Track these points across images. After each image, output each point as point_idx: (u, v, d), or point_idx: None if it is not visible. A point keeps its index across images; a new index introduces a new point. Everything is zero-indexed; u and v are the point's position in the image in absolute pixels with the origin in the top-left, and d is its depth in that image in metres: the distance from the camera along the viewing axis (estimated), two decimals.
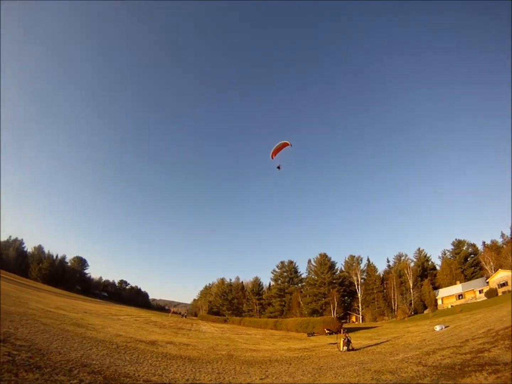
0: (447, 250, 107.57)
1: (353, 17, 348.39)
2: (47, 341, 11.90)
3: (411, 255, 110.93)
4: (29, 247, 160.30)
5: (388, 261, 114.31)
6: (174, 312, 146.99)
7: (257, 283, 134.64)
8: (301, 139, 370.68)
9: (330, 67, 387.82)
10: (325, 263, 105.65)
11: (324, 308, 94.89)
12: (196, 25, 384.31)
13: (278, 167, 32.63)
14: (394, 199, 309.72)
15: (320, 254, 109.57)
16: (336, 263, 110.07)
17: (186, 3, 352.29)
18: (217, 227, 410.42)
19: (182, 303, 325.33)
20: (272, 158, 33.04)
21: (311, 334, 45.38)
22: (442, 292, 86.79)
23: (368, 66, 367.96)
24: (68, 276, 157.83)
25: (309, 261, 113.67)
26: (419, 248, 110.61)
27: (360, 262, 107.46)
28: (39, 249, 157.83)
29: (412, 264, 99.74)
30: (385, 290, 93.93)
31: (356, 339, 31.09)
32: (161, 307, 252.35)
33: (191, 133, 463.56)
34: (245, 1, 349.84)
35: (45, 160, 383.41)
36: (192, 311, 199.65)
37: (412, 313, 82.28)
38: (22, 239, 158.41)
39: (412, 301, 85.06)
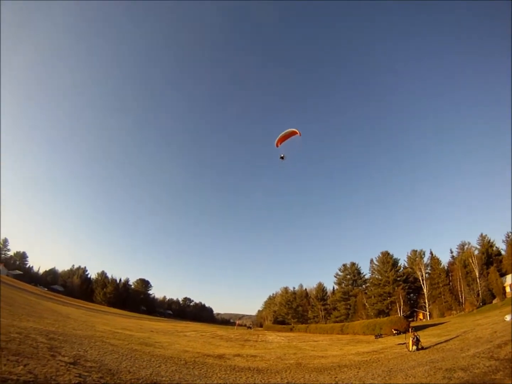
0: (510, 233, 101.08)
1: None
2: (116, 361, 12.28)
3: (474, 242, 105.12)
4: (92, 273, 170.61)
5: (451, 252, 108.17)
6: (239, 325, 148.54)
7: (320, 289, 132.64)
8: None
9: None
10: (387, 261, 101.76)
11: (390, 307, 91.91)
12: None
13: (282, 157, 30.37)
14: (452, 185, 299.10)
15: (382, 253, 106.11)
16: (399, 259, 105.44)
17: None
18: (276, 236, 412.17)
19: (247, 315, 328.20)
20: (277, 146, 30.48)
21: (379, 335, 43.88)
22: (510, 279, 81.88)
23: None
24: (133, 298, 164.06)
25: (371, 260, 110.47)
26: (481, 234, 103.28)
27: (423, 256, 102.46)
28: (103, 274, 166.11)
29: (476, 252, 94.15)
30: (451, 283, 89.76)
31: (425, 337, 29.84)
32: (226, 321, 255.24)
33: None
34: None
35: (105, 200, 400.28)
36: (257, 322, 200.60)
37: (480, 304, 77.35)
38: (85, 267, 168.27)
39: (480, 292, 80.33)
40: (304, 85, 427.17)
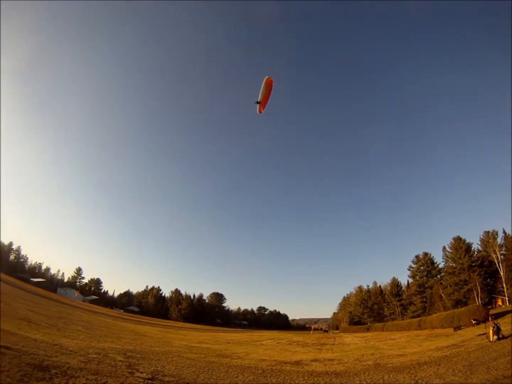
0: None
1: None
2: (193, 374, 12.69)
3: None
4: (166, 292, 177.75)
5: None
6: (315, 329, 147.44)
7: (395, 284, 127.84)
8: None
9: None
10: (460, 246, 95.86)
11: (467, 296, 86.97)
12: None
13: (258, 102, 25.27)
14: None
15: (454, 238, 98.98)
16: (472, 243, 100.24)
17: None
18: (348, 238, 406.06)
19: (323, 319, 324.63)
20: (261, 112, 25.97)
21: (458, 327, 42.28)
22: None
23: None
24: (207, 312, 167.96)
25: (444, 248, 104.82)
26: None
27: (496, 236, 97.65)
28: (176, 292, 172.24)
29: None
30: None
31: (506, 325, 28.43)
32: (302, 326, 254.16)
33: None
34: None
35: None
36: (333, 324, 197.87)
37: None
38: (159, 287, 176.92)
39: None
40: None
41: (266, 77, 24.46)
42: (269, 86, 25.03)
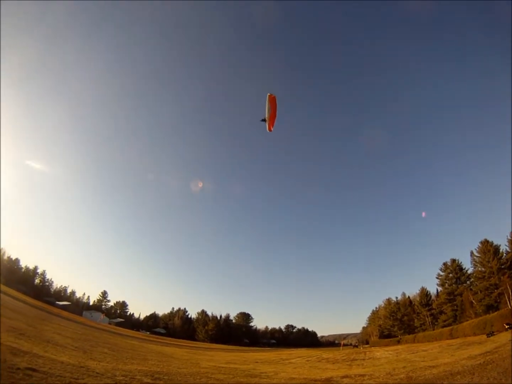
0: None
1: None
2: None
3: None
4: (192, 313, 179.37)
5: None
6: (345, 344, 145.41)
7: (424, 294, 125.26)
8: None
9: None
10: (488, 249, 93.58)
11: (498, 300, 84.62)
12: None
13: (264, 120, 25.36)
14: None
15: (481, 242, 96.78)
16: (499, 245, 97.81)
17: None
18: (375, 249, 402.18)
19: (352, 334, 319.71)
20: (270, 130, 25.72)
21: (491, 333, 41.27)
22: None
23: None
24: (235, 332, 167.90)
25: (472, 253, 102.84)
26: None
27: None
28: (203, 313, 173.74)
29: None
30: None
31: None
32: (331, 342, 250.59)
33: None
34: None
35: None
36: (362, 339, 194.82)
37: None
38: (185, 308, 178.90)
39: None
40: None
41: (268, 94, 24.19)
42: (273, 103, 24.62)
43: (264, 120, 25.10)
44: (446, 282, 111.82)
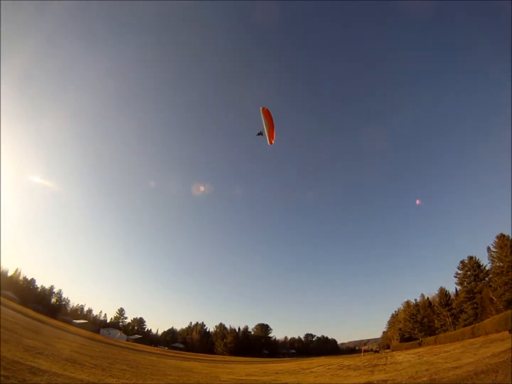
0: None
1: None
2: None
3: None
4: (210, 327, 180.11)
5: None
6: (365, 350, 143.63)
7: (443, 294, 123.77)
8: None
9: None
10: (504, 244, 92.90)
11: None
12: None
13: (260, 133, 25.73)
14: None
15: (497, 236, 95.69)
16: None
17: None
18: (395, 252, 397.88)
19: (372, 339, 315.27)
20: (271, 143, 25.43)
21: None
22: None
23: None
24: (253, 344, 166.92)
25: (488, 248, 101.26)
26: None
27: None
28: (221, 326, 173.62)
29: None
30: None
31: None
32: (352, 349, 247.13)
33: None
34: None
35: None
36: (383, 344, 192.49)
37: None
38: (203, 322, 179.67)
39: None
40: None
41: (261, 108, 24.19)
42: (268, 116, 24.56)
43: (260, 134, 25.38)
44: (464, 280, 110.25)
